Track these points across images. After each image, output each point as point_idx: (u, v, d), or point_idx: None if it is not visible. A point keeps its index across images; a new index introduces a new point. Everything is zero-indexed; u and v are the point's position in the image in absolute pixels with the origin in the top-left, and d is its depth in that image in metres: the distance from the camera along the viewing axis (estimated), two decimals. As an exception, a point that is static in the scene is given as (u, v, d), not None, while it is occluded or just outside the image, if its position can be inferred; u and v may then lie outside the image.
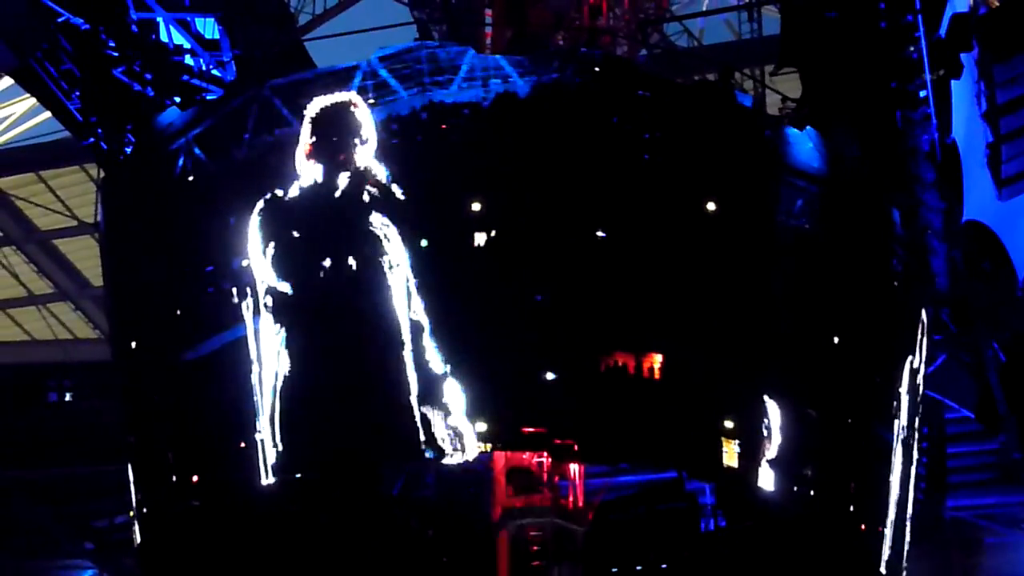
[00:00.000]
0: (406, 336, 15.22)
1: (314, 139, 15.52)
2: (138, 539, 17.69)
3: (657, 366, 15.68)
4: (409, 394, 15.16)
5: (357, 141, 15.70)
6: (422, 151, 15.92)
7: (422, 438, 15.11)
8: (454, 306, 15.45)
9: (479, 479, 19.04)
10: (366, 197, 15.52)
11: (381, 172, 15.53)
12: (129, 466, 17.99)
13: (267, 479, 15.53)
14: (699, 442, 15.79)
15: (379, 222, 15.40)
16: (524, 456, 18.66)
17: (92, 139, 19.30)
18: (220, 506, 16.69)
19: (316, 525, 17.09)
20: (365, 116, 15.80)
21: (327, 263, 15.28)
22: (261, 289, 15.62)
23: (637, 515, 18.32)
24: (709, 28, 38.26)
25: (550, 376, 15.46)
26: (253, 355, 15.63)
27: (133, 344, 17.93)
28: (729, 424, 15.76)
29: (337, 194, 15.34)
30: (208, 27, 19.14)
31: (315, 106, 15.77)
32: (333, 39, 20.75)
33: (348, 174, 15.58)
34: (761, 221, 16.68)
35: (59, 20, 18.35)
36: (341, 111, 15.65)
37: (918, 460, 19.46)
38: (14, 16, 18.12)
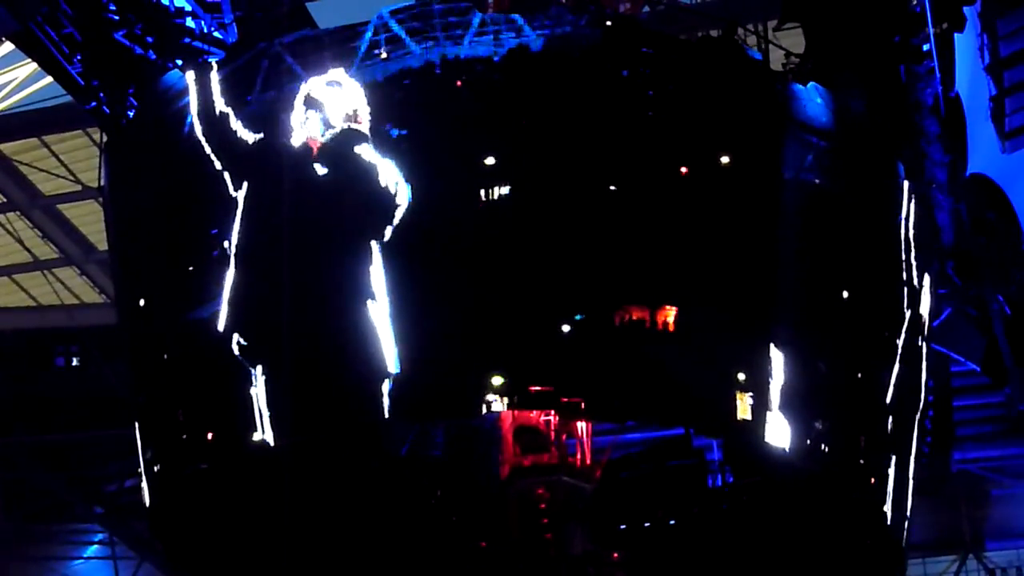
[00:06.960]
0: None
1: (306, 120, 15.41)
2: (148, 502, 17.75)
3: (671, 319, 15.66)
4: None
5: (345, 118, 15.56)
6: (434, 106, 15.86)
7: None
8: (463, 263, 15.44)
9: (487, 438, 19.08)
10: (362, 166, 15.46)
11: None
12: (137, 427, 18.05)
13: (272, 440, 15.58)
14: (708, 397, 15.81)
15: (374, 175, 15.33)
16: (532, 415, 18.70)
17: (94, 103, 19.26)
18: (229, 467, 16.74)
19: (325, 486, 17.13)
20: (352, 93, 15.66)
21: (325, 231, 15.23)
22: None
23: (645, 472, 18.35)
24: (711, -17, 37.90)
25: (560, 332, 15.44)
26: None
27: (141, 303, 17.94)
28: (742, 377, 15.76)
29: (333, 164, 15.29)
30: (209, -11, 19.07)
31: (304, 90, 15.63)
32: (335, 0, 20.63)
33: (340, 147, 15.48)
34: (772, 176, 16.64)
35: (59, -17, 18.32)
36: (326, 93, 15.50)
37: (924, 413, 19.48)
38: (13, -20, 18.06)
